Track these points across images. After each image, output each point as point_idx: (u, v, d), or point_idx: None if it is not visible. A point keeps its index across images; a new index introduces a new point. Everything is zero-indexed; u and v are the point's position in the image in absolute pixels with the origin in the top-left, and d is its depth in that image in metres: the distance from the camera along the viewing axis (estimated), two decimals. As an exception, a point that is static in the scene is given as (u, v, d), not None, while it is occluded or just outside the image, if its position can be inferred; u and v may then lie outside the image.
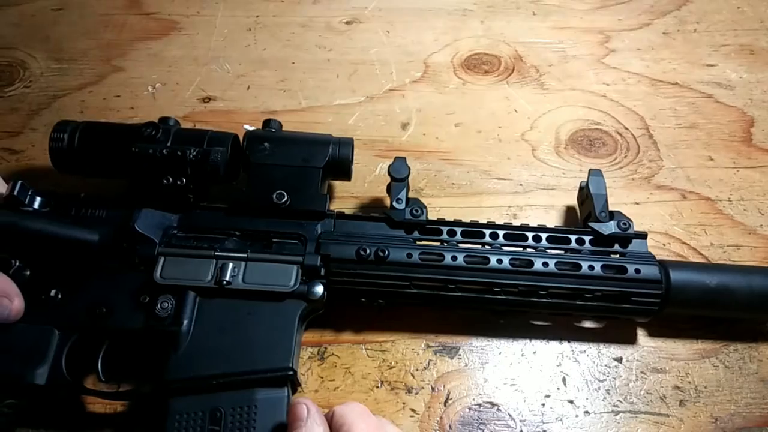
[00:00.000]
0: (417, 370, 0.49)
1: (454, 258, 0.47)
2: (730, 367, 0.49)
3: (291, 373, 0.42)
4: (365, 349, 0.50)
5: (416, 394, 0.48)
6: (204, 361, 0.42)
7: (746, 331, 0.51)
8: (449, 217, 0.55)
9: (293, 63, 0.70)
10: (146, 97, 0.66)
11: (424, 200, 0.58)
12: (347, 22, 0.74)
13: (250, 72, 0.69)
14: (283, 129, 0.52)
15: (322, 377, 0.48)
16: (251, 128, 0.62)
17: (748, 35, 0.74)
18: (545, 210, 0.58)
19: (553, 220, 0.57)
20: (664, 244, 0.56)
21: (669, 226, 0.57)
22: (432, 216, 0.55)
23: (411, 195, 0.58)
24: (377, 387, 0.48)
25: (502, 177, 0.60)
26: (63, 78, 0.67)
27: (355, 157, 0.60)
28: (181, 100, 0.66)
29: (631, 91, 0.68)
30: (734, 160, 0.62)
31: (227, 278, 0.44)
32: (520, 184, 0.60)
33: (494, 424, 0.47)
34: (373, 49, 0.71)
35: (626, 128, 0.64)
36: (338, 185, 0.59)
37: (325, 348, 0.50)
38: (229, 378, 0.41)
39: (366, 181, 0.59)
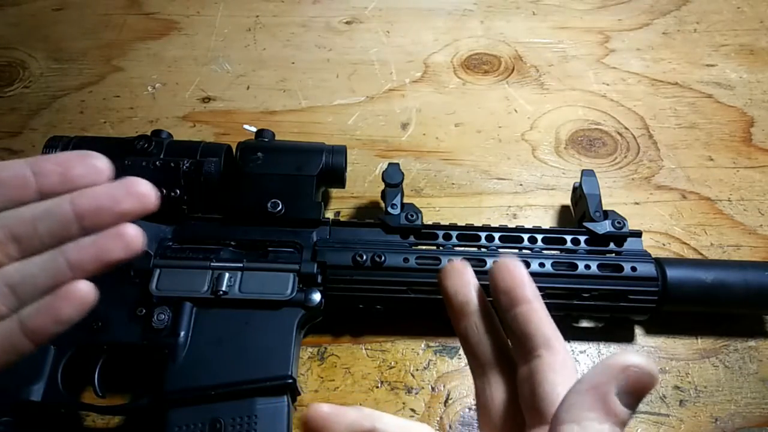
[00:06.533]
0: (417, 370, 0.49)
1: (450, 261, 0.47)
2: (730, 366, 0.49)
3: (290, 381, 0.42)
4: (365, 349, 0.50)
5: (416, 394, 0.48)
6: (202, 371, 0.42)
7: (746, 331, 0.51)
8: (450, 217, 0.55)
9: (293, 63, 0.70)
10: (146, 97, 0.66)
11: (424, 200, 0.58)
12: (347, 22, 0.74)
13: (249, 72, 0.68)
14: (282, 131, 0.52)
15: (321, 377, 0.48)
16: (251, 128, 0.63)
17: (748, 35, 0.74)
18: (545, 210, 0.58)
19: (552, 220, 0.57)
20: (664, 244, 0.56)
21: (669, 226, 0.57)
22: (432, 216, 0.56)
23: (411, 195, 0.58)
24: (377, 387, 0.48)
25: (502, 177, 0.60)
26: (63, 78, 0.67)
27: (355, 157, 0.61)
28: (181, 100, 0.65)
29: (631, 91, 0.68)
30: (734, 160, 0.62)
31: (223, 288, 0.44)
32: (520, 184, 0.60)
33: (494, 424, 0.47)
34: (373, 49, 0.71)
35: (626, 128, 0.64)
36: (338, 185, 0.59)
37: (325, 348, 0.50)
38: (228, 388, 0.41)
39: (366, 181, 0.59)
